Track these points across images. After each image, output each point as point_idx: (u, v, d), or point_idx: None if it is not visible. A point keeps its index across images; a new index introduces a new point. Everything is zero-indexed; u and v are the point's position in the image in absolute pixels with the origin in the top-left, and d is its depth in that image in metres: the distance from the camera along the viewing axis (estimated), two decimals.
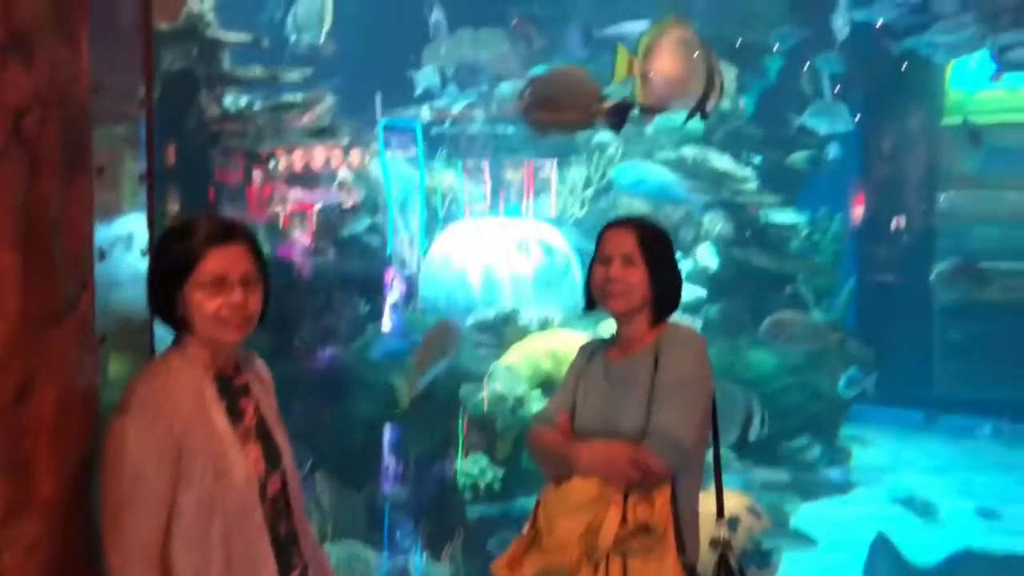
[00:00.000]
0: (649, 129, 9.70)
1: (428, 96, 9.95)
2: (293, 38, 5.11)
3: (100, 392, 2.26)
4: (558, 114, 4.22)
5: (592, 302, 2.95)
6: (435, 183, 8.43)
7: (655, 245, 2.85)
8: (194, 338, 2.30)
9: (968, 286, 8.32)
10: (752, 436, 5.86)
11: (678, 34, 3.89)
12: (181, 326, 2.31)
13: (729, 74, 9.97)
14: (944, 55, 9.73)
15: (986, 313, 11.14)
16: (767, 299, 8.91)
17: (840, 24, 9.25)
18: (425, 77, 9.49)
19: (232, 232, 2.33)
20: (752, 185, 9.47)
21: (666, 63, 3.85)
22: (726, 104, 9.94)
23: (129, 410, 2.15)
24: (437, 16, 10.73)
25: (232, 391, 2.37)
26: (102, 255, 2.33)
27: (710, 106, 4.02)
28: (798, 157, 9.88)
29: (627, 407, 2.74)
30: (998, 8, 9.59)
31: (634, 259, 2.79)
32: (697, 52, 3.91)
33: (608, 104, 4.21)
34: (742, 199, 9.35)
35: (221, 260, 2.28)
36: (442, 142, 9.48)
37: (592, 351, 3.03)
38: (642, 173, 8.33)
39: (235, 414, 2.34)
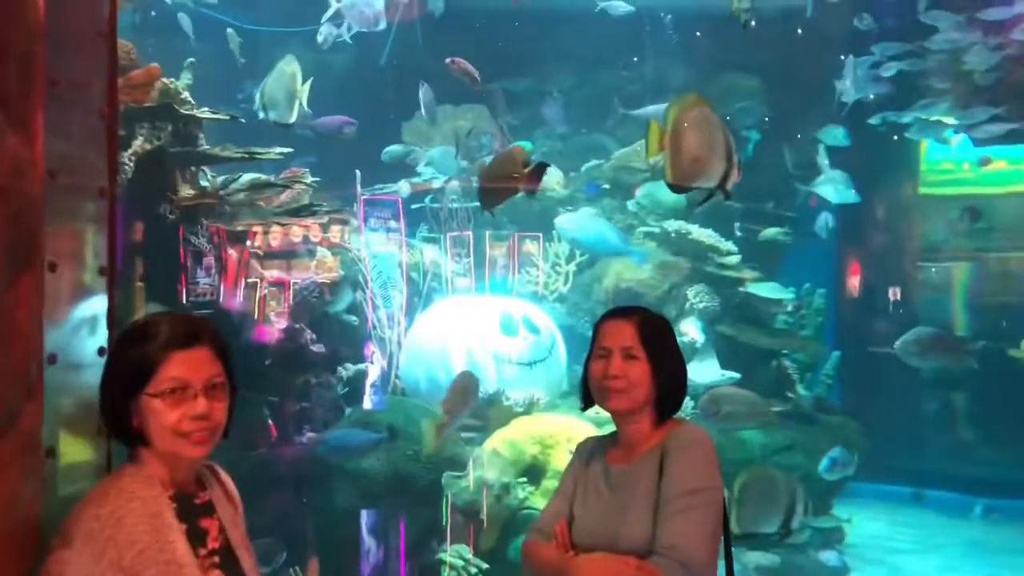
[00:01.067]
0: (631, 203, 9.67)
1: (410, 171, 9.84)
2: (261, 115, 4.97)
3: (44, 518, 1.99)
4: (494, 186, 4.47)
5: (590, 400, 2.72)
6: (417, 259, 8.24)
7: (657, 337, 2.64)
8: (151, 453, 2.05)
9: (939, 356, 8.13)
10: (795, 525, 5.55)
11: (701, 111, 3.78)
12: (136, 440, 2.06)
13: None
14: (921, 133, 9.75)
15: (974, 386, 11.00)
16: (755, 375, 8.70)
17: (847, 87, 9.19)
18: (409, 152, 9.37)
19: (196, 333, 2.09)
20: (735, 259, 9.35)
21: (692, 140, 3.73)
22: None
23: (71, 542, 1.87)
24: (426, 93, 10.62)
25: (193, 512, 2.10)
26: (52, 359, 2.09)
27: (729, 184, 3.90)
28: (770, 232, 9.77)
29: (630, 518, 2.50)
30: (970, 90, 9.64)
31: (635, 353, 2.59)
32: (718, 130, 3.81)
33: (527, 170, 4.48)
34: (725, 273, 9.22)
35: (183, 365, 2.04)
36: (423, 217, 9.33)
37: (591, 452, 2.79)
38: (582, 223, 8.22)
39: (197, 538, 2.06)
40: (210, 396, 2.06)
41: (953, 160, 11.91)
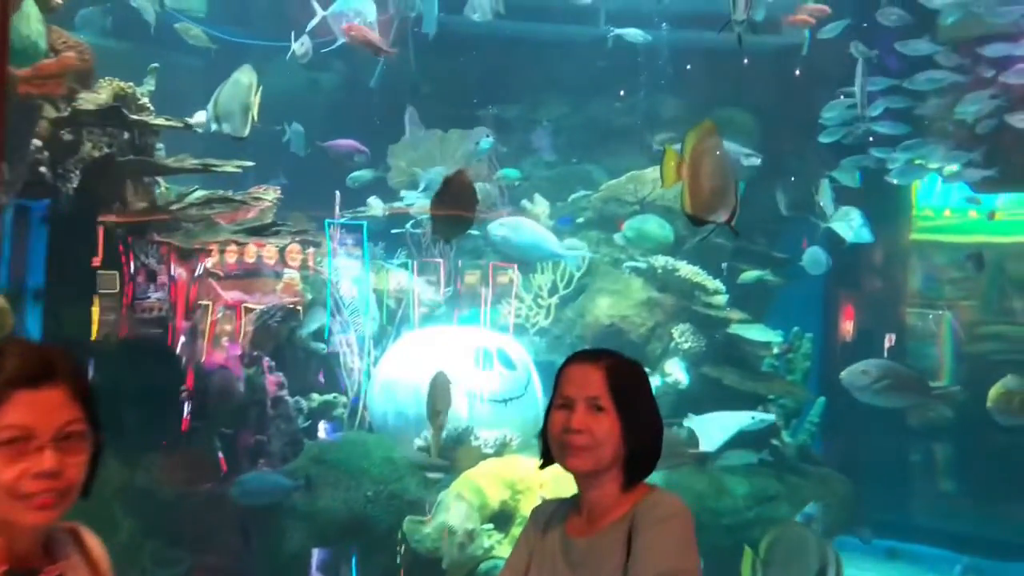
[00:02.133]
0: (618, 237, 9.28)
1: (392, 194, 9.44)
2: (213, 127, 4.56)
3: None
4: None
5: (550, 456, 2.25)
6: (388, 286, 7.77)
7: (629, 386, 2.24)
8: None
9: (893, 394, 7.56)
10: None
11: (717, 141, 3.43)
12: None
13: None
14: (905, 175, 9.32)
15: (960, 438, 10.57)
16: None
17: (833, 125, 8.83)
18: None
19: (49, 369, 1.64)
20: (722, 298, 8.94)
21: (712, 171, 3.38)
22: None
23: None
24: (411, 115, 10.28)
25: None
26: None
27: (735, 219, 3.56)
28: (751, 275, 9.34)
29: None
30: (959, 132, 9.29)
31: (602, 404, 2.18)
32: (729, 162, 3.48)
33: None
34: (712, 312, 8.80)
35: (28, 409, 1.59)
36: (402, 243, 8.91)
37: (548, 518, 2.36)
38: (514, 228, 7.80)
39: None
40: (62, 448, 1.61)
41: (947, 205, 11.55)
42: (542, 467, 2.36)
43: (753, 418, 7.77)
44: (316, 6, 7.98)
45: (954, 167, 9.09)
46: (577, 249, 8.62)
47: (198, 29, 7.45)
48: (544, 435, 2.28)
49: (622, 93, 10.89)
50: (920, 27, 8.30)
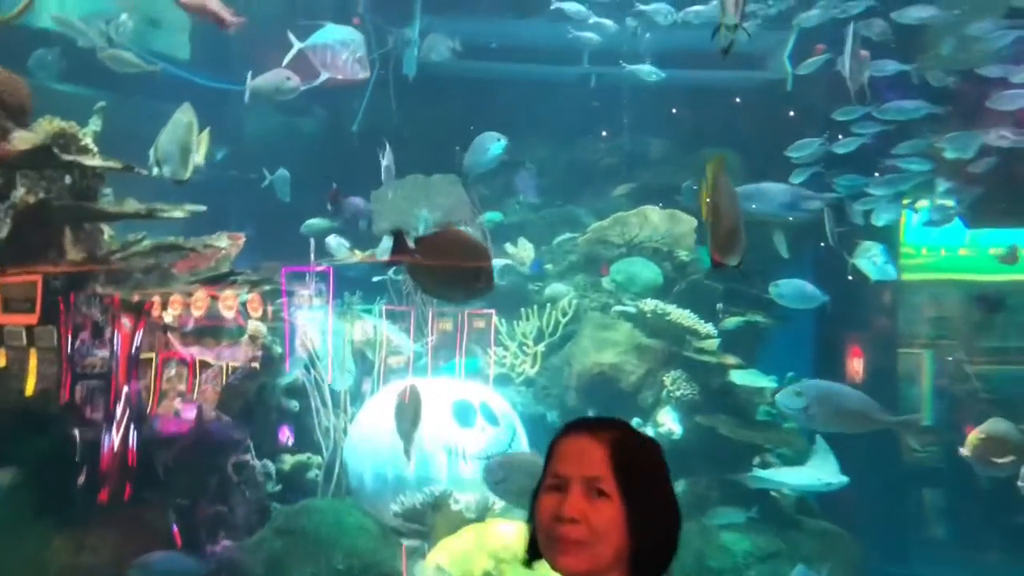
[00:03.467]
0: (605, 280, 8.77)
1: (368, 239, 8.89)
2: (155, 171, 4.04)
3: None
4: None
5: (536, 550, 1.71)
6: (363, 337, 7.16)
7: (639, 465, 1.70)
8: None
9: (835, 418, 6.84)
10: None
11: (727, 179, 3.05)
12: None
13: (689, 223, 9.19)
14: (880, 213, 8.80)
15: (953, 483, 9.98)
16: (737, 471, 7.67)
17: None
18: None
19: None
20: (714, 343, 8.38)
21: (731, 212, 3.01)
22: (683, 255, 9.10)
23: None
24: (388, 160, 9.73)
25: None
26: None
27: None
28: (731, 321, 8.78)
29: None
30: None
31: (604, 487, 1.65)
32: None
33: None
34: (704, 358, 8.23)
35: None
36: (383, 290, 8.34)
37: None
38: None
39: None
40: None
41: (939, 243, 11.08)
42: (527, 564, 1.78)
43: (829, 482, 7.14)
44: (292, 39, 7.47)
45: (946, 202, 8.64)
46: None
47: (130, 54, 6.83)
48: (531, 520, 1.72)
49: (605, 134, 10.49)
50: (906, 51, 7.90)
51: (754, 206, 7.45)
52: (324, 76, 7.81)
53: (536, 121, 10.19)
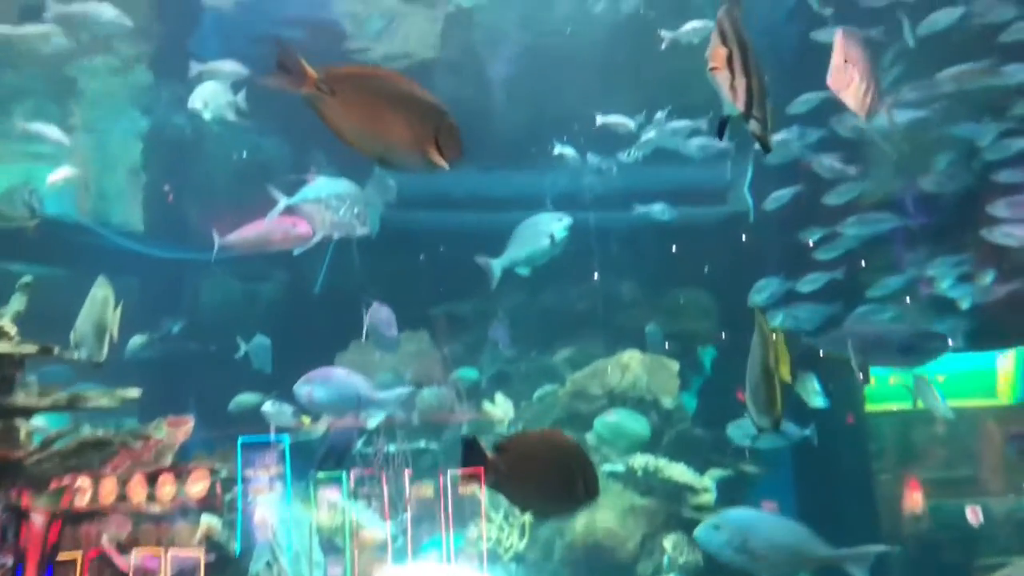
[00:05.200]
0: (589, 436, 8.12)
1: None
2: (75, 355, 3.47)
3: None
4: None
5: None
6: (334, 520, 6.34)
7: None
8: None
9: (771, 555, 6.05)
10: None
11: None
12: None
13: (671, 368, 8.70)
14: None
15: None
16: None
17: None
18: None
19: None
20: (711, 497, 7.69)
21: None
22: (668, 402, 8.55)
23: None
24: (376, 312, 9.13)
25: None
26: None
27: None
28: (715, 473, 8.16)
29: None
30: None
31: None
32: None
33: None
34: (704, 516, 7.50)
35: None
36: (353, 462, 7.60)
37: None
38: (322, 382, 6.77)
39: None
40: None
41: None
42: None
43: None
44: (277, 194, 6.99)
45: None
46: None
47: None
48: None
49: (578, 278, 10.11)
50: None
51: None
52: (319, 236, 7.28)
53: (506, 271, 9.96)
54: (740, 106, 2.49)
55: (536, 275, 9.99)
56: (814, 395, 7.61)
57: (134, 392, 4.33)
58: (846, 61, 3.58)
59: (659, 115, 7.86)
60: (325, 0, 7.55)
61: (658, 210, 8.44)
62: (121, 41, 7.58)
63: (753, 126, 2.50)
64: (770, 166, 8.14)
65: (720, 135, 2.60)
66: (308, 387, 6.69)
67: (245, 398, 7.69)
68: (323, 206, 7.22)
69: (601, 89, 8.14)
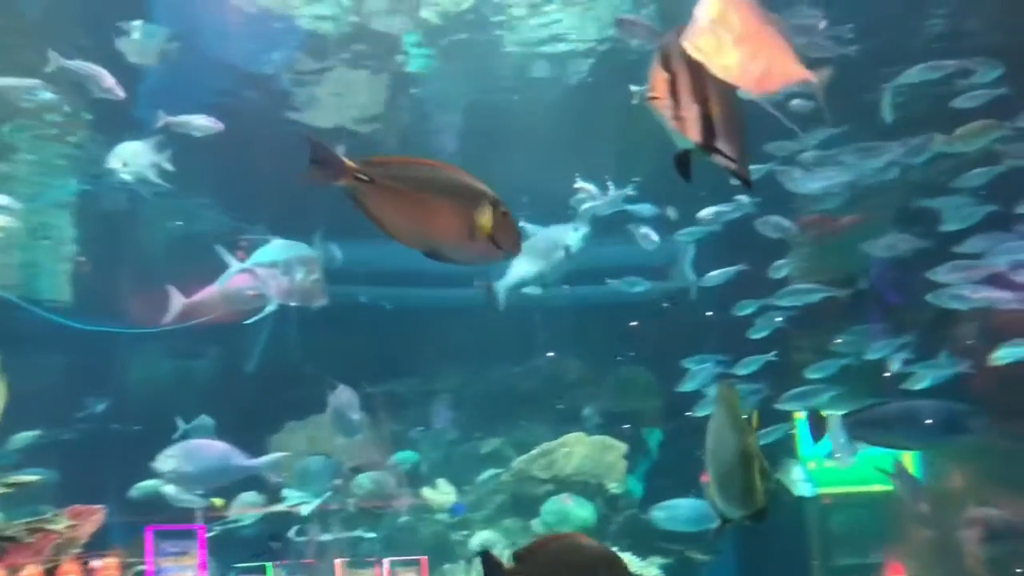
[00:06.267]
0: (535, 522, 7.83)
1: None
2: None
3: None
4: None
5: None
6: None
7: None
8: None
9: None
10: None
11: None
12: None
13: (618, 451, 8.49)
14: None
15: None
16: None
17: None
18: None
19: None
20: None
21: None
22: (615, 487, 8.33)
23: None
24: (339, 395, 8.72)
25: None
26: None
27: None
28: (658, 561, 7.89)
29: None
30: None
31: None
32: None
33: None
34: None
35: None
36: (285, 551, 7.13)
37: None
38: (186, 456, 6.51)
39: None
40: None
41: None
42: None
43: None
44: (228, 258, 6.61)
45: None
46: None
47: None
48: None
49: (522, 357, 9.90)
50: None
51: None
52: (272, 305, 6.85)
53: (447, 348, 9.72)
54: (695, 137, 2.19)
55: (479, 353, 9.80)
56: (799, 483, 7.43)
57: (31, 477, 3.89)
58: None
59: (610, 188, 7.78)
60: (266, 63, 7.38)
61: (628, 282, 8.25)
62: (51, 110, 7.28)
63: (720, 160, 2.22)
64: (716, 239, 8.05)
65: (683, 174, 2.32)
66: (172, 460, 6.19)
67: (146, 484, 7.13)
68: (279, 271, 6.86)
69: (547, 159, 8.05)
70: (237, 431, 8.11)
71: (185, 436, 7.91)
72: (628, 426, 9.32)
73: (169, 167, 6.32)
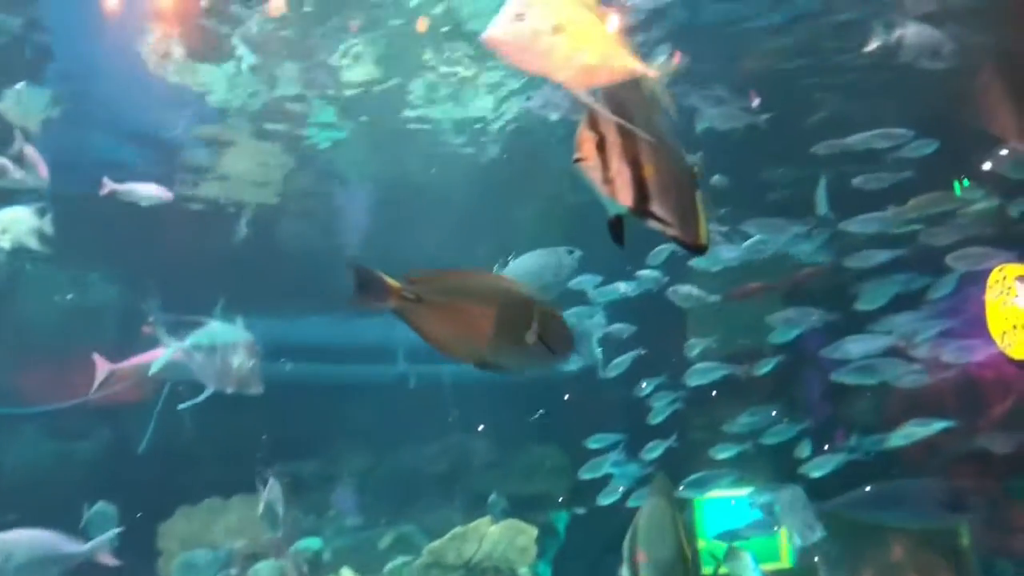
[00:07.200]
0: None
1: None
2: None
3: None
4: None
5: None
6: None
7: None
8: None
9: None
10: None
11: None
12: None
13: (529, 535, 8.26)
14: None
15: None
16: None
17: None
18: None
19: None
20: None
21: None
22: (524, 572, 8.08)
23: None
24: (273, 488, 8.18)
25: None
26: None
27: None
28: None
29: None
30: None
31: None
32: None
33: None
34: None
35: None
36: None
37: None
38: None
39: None
40: None
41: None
42: None
43: None
44: (164, 337, 6.11)
45: None
46: None
47: None
48: None
49: (430, 438, 9.65)
50: None
51: None
52: (208, 391, 6.31)
53: (351, 428, 9.48)
54: (626, 201, 2.04)
55: (384, 435, 9.53)
56: (749, 571, 7.23)
57: None
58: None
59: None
60: (166, 129, 7.13)
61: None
62: None
63: (655, 225, 2.06)
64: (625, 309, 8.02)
65: (616, 239, 2.17)
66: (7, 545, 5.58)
67: None
68: (217, 356, 6.36)
69: (460, 234, 7.99)
70: (123, 517, 7.62)
71: (88, 525, 7.31)
72: (537, 508, 9.19)
73: (49, 232, 5.88)
